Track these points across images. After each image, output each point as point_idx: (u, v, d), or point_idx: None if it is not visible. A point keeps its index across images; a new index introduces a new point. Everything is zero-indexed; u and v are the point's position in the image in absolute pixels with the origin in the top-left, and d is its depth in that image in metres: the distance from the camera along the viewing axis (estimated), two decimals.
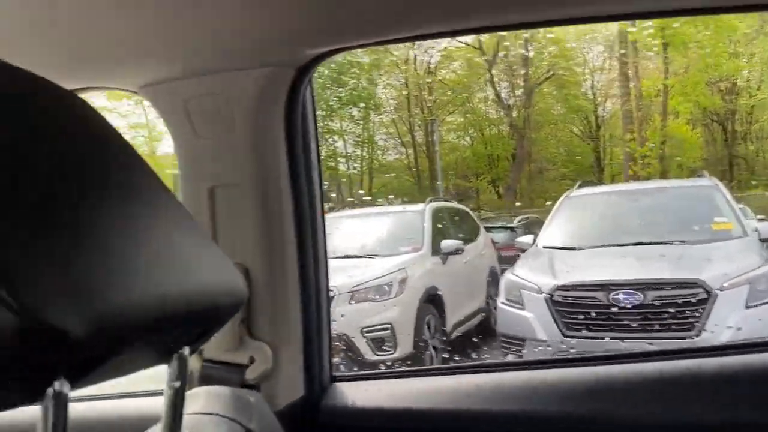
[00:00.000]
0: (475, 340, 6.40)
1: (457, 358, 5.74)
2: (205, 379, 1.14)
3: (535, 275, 5.20)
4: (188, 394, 0.83)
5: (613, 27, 16.05)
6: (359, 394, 1.25)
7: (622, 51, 16.40)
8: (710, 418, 1.05)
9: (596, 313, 4.72)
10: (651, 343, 4.31)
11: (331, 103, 18.06)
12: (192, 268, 0.55)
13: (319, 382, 1.25)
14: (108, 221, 0.47)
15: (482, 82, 18.85)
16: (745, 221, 5.55)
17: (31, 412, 0.40)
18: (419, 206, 7.09)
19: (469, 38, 16.35)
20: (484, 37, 16.39)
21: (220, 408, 0.89)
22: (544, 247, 5.80)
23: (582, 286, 4.88)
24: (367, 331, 5.41)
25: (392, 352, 5.41)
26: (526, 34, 16.24)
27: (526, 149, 18.46)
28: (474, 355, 6.23)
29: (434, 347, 5.84)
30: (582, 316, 4.76)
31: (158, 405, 1.08)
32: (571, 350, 4.62)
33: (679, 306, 4.51)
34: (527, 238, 6.46)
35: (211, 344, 1.14)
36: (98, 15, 0.96)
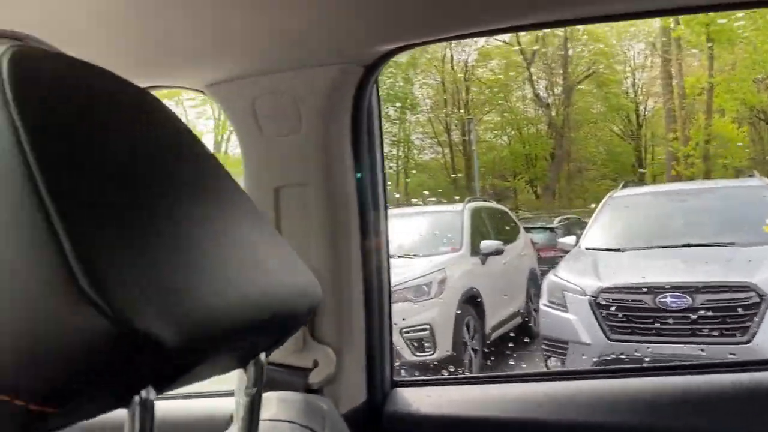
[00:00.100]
0: (511, 345, 6.33)
1: (493, 359, 5.70)
2: (269, 383, 1.12)
3: (578, 277, 5.11)
4: None
5: (656, 23, 15.74)
6: (422, 400, 1.22)
7: (665, 48, 16.05)
8: None
9: (642, 316, 4.61)
10: (702, 350, 4.21)
11: None
12: (271, 270, 0.53)
13: (381, 387, 1.23)
14: (192, 222, 0.46)
15: (520, 80, 18.66)
16: None
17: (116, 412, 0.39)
18: (458, 206, 7.04)
19: (506, 36, 16.19)
20: (523, 35, 16.22)
21: (294, 415, 0.87)
22: (587, 249, 5.70)
23: (627, 289, 4.77)
24: (407, 332, 5.39)
25: (431, 353, 5.38)
26: (560, 32, 16.03)
27: (565, 148, 18.19)
28: (512, 357, 6.16)
29: (473, 349, 5.80)
30: (627, 320, 4.66)
31: (225, 406, 1.07)
32: (620, 355, 4.53)
33: (730, 310, 4.38)
34: (569, 239, 6.37)
35: None
36: (165, 13, 0.95)
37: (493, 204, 8.43)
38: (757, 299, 4.32)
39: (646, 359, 4.38)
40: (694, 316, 4.46)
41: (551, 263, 7.47)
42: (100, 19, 0.96)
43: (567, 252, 6.06)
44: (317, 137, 1.12)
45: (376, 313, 1.22)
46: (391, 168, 19.52)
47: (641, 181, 14.11)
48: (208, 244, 0.46)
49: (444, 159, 19.10)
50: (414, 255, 6.19)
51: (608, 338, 4.66)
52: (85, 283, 0.33)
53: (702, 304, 4.47)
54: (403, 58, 17.64)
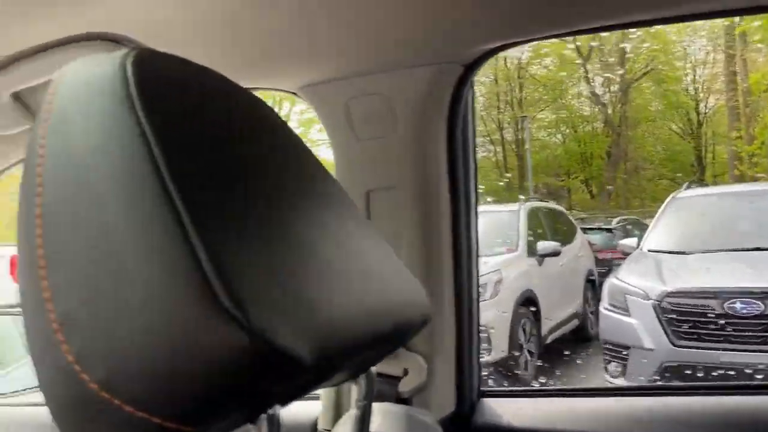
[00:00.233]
0: (567, 349, 6.22)
1: (547, 366, 5.61)
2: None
3: (641, 280, 4.97)
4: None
5: (718, 19, 15.19)
6: (510, 411, 1.19)
7: (729, 44, 15.47)
8: None
9: (710, 322, 4.46)
10: None
11: None
12: (386, 280, 0.52)
13: (470, 397, 1.20)
14: (314, 233, 0.44)
15: (576, 77, 18.30)
16: None
17: None
18: (514, 206, 6.96)
19: None
20: None
21: (399, 429, 0.85)
22: (650, 251, 5.54)
23: (694, 293, 4.63)
24: None
25: (487, 354, 5.32)
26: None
27: (621, 147, 17.77)
28: (568, 361, 6.06)
29: (529, 351, 5.72)
30: (693, 325, 4.52)
31: (308, 410, 1.06)
32: (686, 362, 4.39)
33: None
34: (630, 241, 6.23)
35: None
36: (260, 14, 0.95)
37: (550, 204, 8.29)
38: None
39: (716, 368, 4.24)
40: (766, 323, 4.29)
41: (609, 265, 7.31)
42: (196, 21, 0.96)
43: (627, 255, 5.93)
44: (412, 139, 1.10)
45: (466, 319, 1.18)
46: None
47: (701, 181, 13.66)
48: (331, 254, 0.45)
49: (495, 157, 18.89)
50: None
51: (673, 344, 4.53)
52: (225, 300, 0.32)
53: None
54: None
